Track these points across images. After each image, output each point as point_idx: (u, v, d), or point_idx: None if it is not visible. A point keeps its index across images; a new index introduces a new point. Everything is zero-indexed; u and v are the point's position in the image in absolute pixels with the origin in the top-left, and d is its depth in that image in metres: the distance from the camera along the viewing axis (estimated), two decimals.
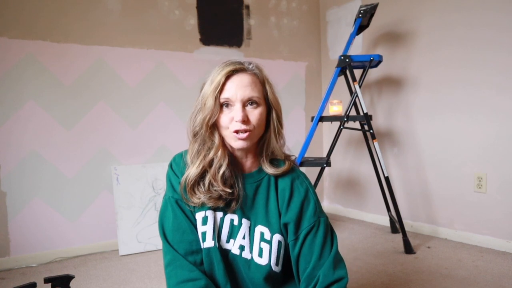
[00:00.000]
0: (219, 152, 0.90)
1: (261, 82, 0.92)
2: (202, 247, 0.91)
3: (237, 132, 0.87)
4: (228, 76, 0.88)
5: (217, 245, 0.91)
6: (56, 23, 2.25)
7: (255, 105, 0.89)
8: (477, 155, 2.26)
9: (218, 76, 0.88)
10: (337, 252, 0.93)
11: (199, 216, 0.92)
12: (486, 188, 2.23)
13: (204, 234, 0.91)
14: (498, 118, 2.16)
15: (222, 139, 0.91)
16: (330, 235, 0.95)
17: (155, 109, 2.57)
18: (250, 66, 0.92)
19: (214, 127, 0.90)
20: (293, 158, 1.02)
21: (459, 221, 2.38)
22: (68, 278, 1.11)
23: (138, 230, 2.37)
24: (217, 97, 0.87)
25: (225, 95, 0.88)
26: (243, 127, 0.87)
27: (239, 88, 0.87)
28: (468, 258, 2.07)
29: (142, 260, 2.20)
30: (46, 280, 1.09)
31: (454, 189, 2.38)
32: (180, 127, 2.65)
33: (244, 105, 0.88)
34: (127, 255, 2.31)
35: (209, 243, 0.91)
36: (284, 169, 0.96)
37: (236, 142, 0.89)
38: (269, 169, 0.95)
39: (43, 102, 2.22)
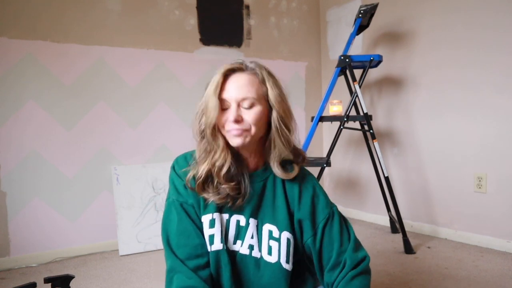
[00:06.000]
0: (223, 153, 0.90)
1: (261, 81, 0.91)
2: (210, 250, 0.91)
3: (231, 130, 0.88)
4: (226, 76, 0.89)
5: (225, 247, 0.91)
6: (56, 23, 2.25)
7: (250, 105, 0.88)
8: (477, 155, 2.26)
9: (217, 76, 0.88)
10: (355, 237, 0.97)
11: (206, 218, 0.91)
12: (486, 188, 2.23)
13: (212, 237, 0.90)
14: (498, 118, 2.16)
15: (225, 140, 0.91)
16: (344, 222, 0.98)
17: (155, 109, 2.57)
18: (250, 65, 0.91)
19: (217, 128, 0.90)
20: (300, 158, 0.99)
21: (459, 221, 2.38)
22: (68, 278, 1.10)
23: (138, 230, 2.37)
24: (218, 97, 0.87)
25: (222, 95, 0.88)
26: (236, 126, 0.86)
27: (234, 88, 0.87)
28: (468, 258, 2.07)
29: (142, 260, 2.20)
30: (46, 280, 1.09)
31: (454, 189, 2.38)
32: (180, 127, 2.65)
33: (239, 105, 0.87)
34: (127, 255, 2.31)
35: (217, 245, 0.90)
36: (294, 174, 0.95)
37: (232, 140, 0.89)
38: (279, 172, 0.93)
39: (43, 102, 2.22)
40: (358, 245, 0.96)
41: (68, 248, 2.29)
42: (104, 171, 2.40)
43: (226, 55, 2.81)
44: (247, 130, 0.88)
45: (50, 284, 1.09)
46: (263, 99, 0.90)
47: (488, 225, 2.23)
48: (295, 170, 0.95)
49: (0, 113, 2.12)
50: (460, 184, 2.35)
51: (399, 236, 2.46)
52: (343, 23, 3.12)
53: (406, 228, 2.45)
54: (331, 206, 0.98)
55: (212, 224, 0.91)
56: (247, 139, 0.88)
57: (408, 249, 2.17)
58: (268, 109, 0.91)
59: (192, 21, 2.70)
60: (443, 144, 2.43)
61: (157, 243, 2.39)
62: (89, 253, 2.34)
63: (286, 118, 0.92)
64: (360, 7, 2.43)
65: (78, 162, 2.33)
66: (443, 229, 2.46)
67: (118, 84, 2.44)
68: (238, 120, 0.86)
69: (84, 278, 1.95)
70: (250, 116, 0.87)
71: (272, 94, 0.90)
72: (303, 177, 0.98)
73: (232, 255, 0.93)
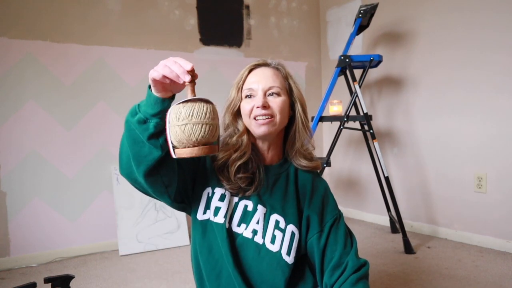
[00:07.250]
0: (244, 138, 0.94)
1: (284, 76, 0.97)
2: (213, 220, 0.92)
3: (257, 118, 0.91)
4: (251, 70, 0.96)
5: (226, 225, 0.92)
6: (56, 23, 2.25)
7: (276, 95, 0.93)
8: (477, 155, 2.26)
9: (242, 71, 0.97)
10: (357, 246, 1.00)
11: (218, 191, 0.94)
12: (486, 188, 2.23)
13: (218, 209, 0.93)
14: (498, 118, 2.16)
15: (246, 128, 0.96)
16: (348, 230, 1.02)
17: None
18: (273, 62, 0.99)
19: (238, 115, 0.96)
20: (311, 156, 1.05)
21: (459, 221, 2.38)
22: (68, 278, 1.10)
23: (138, 230, 2.37)
24: (239, 88, 0.95)
25: (247, 85, 0.94)
26: (263, 112, 0.90)
27: (261, 79, 0.94)
28: (468, 258, 2.07)
29: (142, 260, 2.20)
30: (46, 280, 1.09)
31: (454, 189, 2.38)
32: None
33: (265, 94, 0.93)
34: (127, 255, 2.31)
35: (219, 219, 0.92)
36: (319, 163, 1.01)
37: (258, 129, 0.92)
38: (303, 162, 0.98)
39: (43, 102, 2.22)
40: (357, 254, 0.98)
41: (68, 248, 2.29)
42: (104, 171, 2.40)
43: (226, 55, 2.81)
44: (273, 117, 0.92)
45: (50, 284, 1.09)
46: (286, 92, 0.97)
47: (488, 225, 2.23)
48: (318, 161, 1.01)
49: (0, 113, 2.12)
50: (460, 184, 2.35)
51: (399, 236, 2.46)
52: (343, 23, 3.12)
53: (406, 228, 2.45)
54: (339, 210, 1.02)
55: (222, 198, 0.93)
56: (272, 128, 0.92)
57: (408, 249, 2.17)
58: (290, 103, 0.97)
59: (192, 21, 2.70)
60: (443, 144, 2.43)
61: (157, 243, 2.39)
62: (89, 253, 2.34)
63: (306, 112, 1.00)
64: (360, 7, 2.43)
65: (78, 162, 2.33)
66: (443, 229, 2.46)
67: (118, 84, 2.44)
68: (265, 106, 0.91)
69: (84, 278, 1.95)
70: (276, 103, 0.93)
71: (295, 88, 0.98)
72: (316, 178, 1.03)
73: (233, 237, 0.94)
